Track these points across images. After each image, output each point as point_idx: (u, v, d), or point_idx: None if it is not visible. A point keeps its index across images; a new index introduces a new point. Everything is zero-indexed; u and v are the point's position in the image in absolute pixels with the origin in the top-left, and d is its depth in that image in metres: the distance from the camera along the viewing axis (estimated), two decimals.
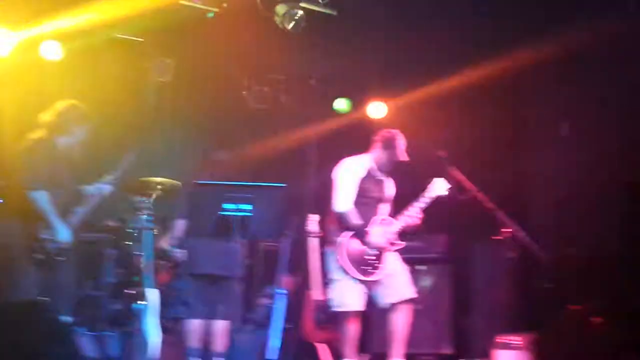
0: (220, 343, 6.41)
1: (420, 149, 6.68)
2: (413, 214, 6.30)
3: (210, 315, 6.38)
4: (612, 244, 6.93)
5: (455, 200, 6.54)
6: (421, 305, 6.75)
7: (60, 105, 6.09)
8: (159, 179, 7.45)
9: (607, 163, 7.26)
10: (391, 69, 8.75)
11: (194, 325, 6.39)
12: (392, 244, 6.28)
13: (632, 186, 7.06)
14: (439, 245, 7.93)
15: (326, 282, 6.50)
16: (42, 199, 5.76)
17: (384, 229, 6.28)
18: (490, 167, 7.78)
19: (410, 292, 6.28)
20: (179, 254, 6.37)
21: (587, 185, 7.35)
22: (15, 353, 4.46)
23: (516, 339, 6.35)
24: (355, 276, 6.16)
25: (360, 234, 6.22)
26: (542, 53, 7.50)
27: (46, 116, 6.04)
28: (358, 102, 9.21)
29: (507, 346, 6.38)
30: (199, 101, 9.14)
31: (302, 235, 7.31)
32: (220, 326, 6.37)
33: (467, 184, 6.68)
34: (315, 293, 7.08)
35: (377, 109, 8.99)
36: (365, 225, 6.24)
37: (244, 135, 9.01)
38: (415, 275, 6.61)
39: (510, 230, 6.63)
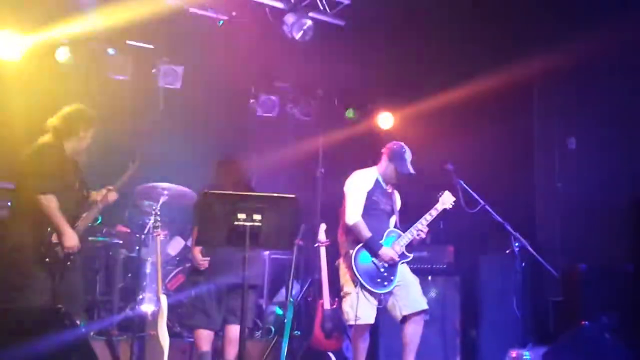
0: (232, 350, 6.37)
1: (428, 161, 6.70)
2: (421, 228, 6.31)
3: (225, 323, 6.38)
4: (620, 258, 6.92)
5: (463, 212, 6.55)
6: (429, 317, 6.64)
7: (67, 109, 6.10)
8: (165, 184, 7.49)
9: (616, 176, 7.27)
10: (399, 80, 8.78)
11: (207, 331, 6.38)
12: (402, 255, 6.29)
13: None
14: (446, 256, 7.90)
15: (339, 294, 6.48)
16: (51, 202, 5.75)
17: (394, 241, 6.30)
18: (497, 179, 7.77)
19: (423, 303, 6.28)
20: (202, 261, 6.37)
21: (595, 199, 7.35)
22: None
23: (527, 353, 6.36)
24: (368, 289, 6.16)
25: (371, 246, 6.22)
26: (551, 65, 7.52)
27: (53, 121, 6.05)
28: (366, 113, 9.23)
29: None
30: (207, 109, 9.16)
31: (311, 244, 7.32)
32: (233, 333, 6.33)
33: (474, 196, 6.69)
34: (325, 302, 7.07)
35: (385, 120, 9.01)
36: (376, 237, 6.26)
37: (252, 143, 9.03)
38: (422, 286, 6.58)
39: (518, 242, 6.65)
